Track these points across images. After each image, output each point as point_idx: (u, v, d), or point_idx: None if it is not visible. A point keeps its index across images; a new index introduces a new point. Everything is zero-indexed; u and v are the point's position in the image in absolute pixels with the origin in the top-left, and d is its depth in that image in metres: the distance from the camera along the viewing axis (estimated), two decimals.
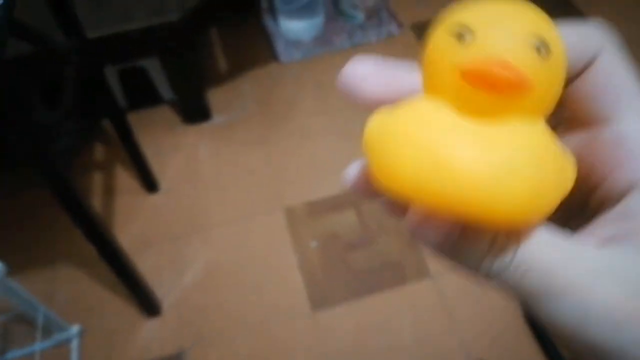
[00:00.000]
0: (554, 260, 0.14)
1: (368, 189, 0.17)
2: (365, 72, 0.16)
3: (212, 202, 1.32)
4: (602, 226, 0.16)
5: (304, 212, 1.29)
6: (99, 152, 1.44)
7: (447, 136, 0.13)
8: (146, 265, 1.11)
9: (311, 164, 1.38)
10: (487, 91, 0.13)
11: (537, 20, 0.13)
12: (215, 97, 1.53)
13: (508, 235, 0.14)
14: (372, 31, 1.68)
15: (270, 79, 1.59)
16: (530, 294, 0.14)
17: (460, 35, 0.13)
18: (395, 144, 0.14)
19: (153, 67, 1.43)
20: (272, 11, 1.69)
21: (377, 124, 0.15)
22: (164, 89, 1.50)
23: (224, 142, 1.44)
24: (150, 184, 1.34)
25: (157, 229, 1.29)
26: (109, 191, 1.36)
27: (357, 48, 1.67)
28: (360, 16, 1.69)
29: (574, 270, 0.14)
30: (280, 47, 1.64)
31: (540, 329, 1.02)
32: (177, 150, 1.44)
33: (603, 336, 0.14)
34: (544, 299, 0.14)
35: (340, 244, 1.23)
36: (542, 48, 0.13)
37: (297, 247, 1.23)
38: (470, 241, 0.15)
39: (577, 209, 0.17)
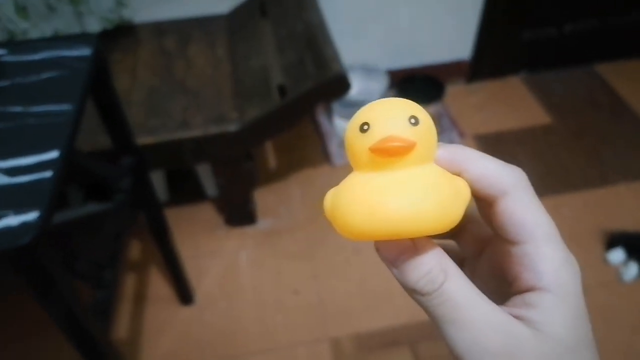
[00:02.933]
0: (466, 303, 0.20)
1: None
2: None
3: (249, 323, 1.20)
4: (513, 305, 0.22)
5: (352, 347, 1.14)
6: (135, 250, 1.34)
7: (373, 193, 0.20)
8: None
9: (361, 287, 1.25)
10: (389, 157, 0.20)
11: (408, 106, 0.21)
12: (262, 198, 1.44)
13: (442, 269, 0.21)
14: None
15: (321, 183, 1.50)
16: (441, 318, 0.21)
17: (363, 129, 0.21)
18: (345, 208, 0.20)
19: (200, 165, 1.35)
20: (328, 109, 1.62)
21: (331, 200, 0.22)
22: (209, 185, 1.42)
23: (268, 252, 1.33)
24: (184, 293, 1.22)
25: (186, 350, 1.16)
26: (140, 298, 1.25)
27: None
28: None
29: (477, 316, 0.20)
30: (333, 148, 1.55)
31: None
32: (216, 255, 1.33)
33: None
34: (448, 325, 0.20)
35: None
36: (413, 120, 0.21)
37: None
38: (415, 265, 0.21)
39: (504, 290, 0.23)
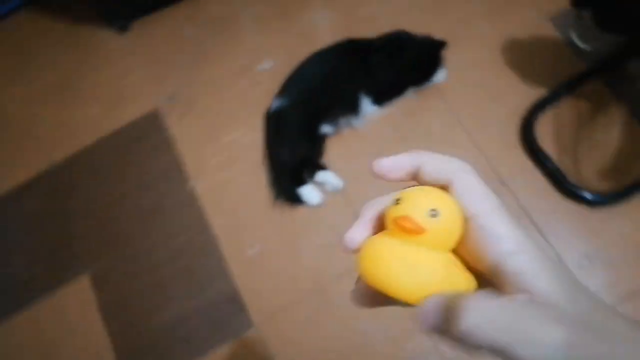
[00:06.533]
0: (507, 320, 0.22)
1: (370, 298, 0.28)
2: (388, 166, 0.28)
3: None
4: (510, 287, 0.23)
5: None
6: None
7: (393, 260, 0.25)
8: None
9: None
10: (402, 231, 0.25)
11: (435, 198, 0.26)
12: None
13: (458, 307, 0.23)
14: None
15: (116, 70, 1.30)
16: (497, 345, 0.21)
17: (396, 202, 0.26)
18: (374, 262, 0.26)
19: None
20: None
21: (366, 250, 0.27)
22: None
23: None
24: None
25: None
26: None
27: None
28: None
29: (522, 323, 0.21)
30: None
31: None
32: None
33: None
34: (513, 346, 0.21)
35: None
36: (433, 212, 0.25)
37: None
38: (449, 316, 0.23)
39: (479, 272, 0.26)
